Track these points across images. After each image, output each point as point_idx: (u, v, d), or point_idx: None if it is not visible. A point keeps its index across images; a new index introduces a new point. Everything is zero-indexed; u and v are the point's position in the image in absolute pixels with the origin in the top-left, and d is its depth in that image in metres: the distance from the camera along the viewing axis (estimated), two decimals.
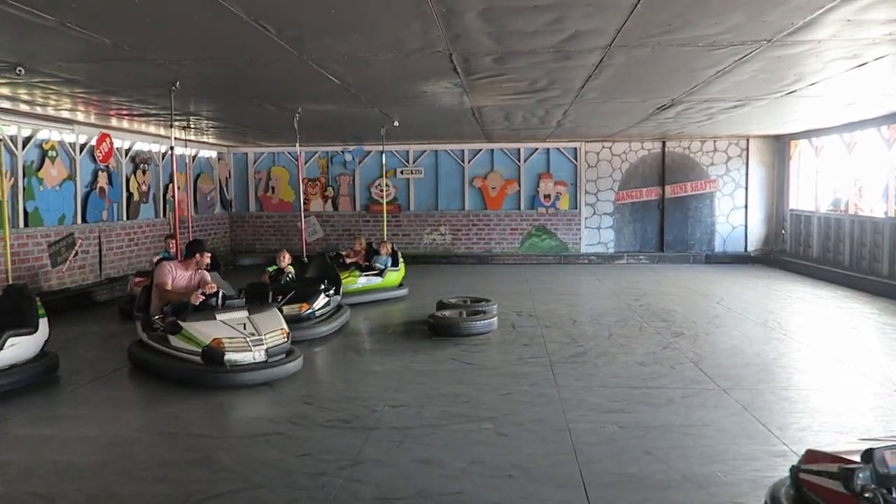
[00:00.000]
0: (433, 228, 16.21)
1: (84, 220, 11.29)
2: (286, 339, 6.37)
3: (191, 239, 8.13)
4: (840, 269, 12.24)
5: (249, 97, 8.42)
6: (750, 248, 15.63)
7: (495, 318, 8.29)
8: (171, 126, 7.64)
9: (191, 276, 7.07)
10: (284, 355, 6.27)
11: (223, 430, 5.04)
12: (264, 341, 6.17)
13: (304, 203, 16.43)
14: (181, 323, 6.14)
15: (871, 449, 2.78)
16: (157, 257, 9.89)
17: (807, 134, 13.83)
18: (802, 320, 8.98)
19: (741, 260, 15.35)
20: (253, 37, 5.20)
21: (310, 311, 8.11)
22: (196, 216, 15.05)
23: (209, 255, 7.19)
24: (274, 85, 7.53)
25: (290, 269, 9.24)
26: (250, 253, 16.50)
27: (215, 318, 6.22)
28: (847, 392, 5.77)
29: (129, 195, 12.64)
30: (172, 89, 7.08)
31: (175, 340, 6.18)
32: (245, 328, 6.20)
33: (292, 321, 7.55)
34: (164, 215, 13.76)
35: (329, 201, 16.46)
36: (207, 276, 7.12)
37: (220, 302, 6.51)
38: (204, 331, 6.04)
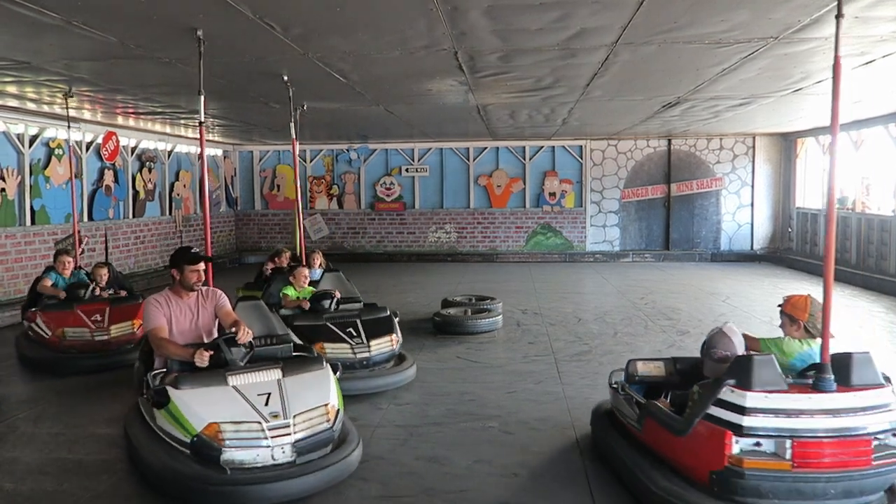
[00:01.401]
0: (438, 227, 16.21)
1: (90, 217, 11.34)
2: (332, 423, 3.91)
3: (194, 246, 5.48)
4: (847, 268, 12.18)
5: (255, 96, 8.43)
6: (756, 247, 15.57)
7: (500, 317, 8.29)
8: (201, 96, 5.70)
9: (196, 310, 4.55)
10: (329, 449, 3.89)
11: None
12: (293, 428, 3.73)
13: (310, 201, 16.48)
14: (170, 390, 3.82)
15: (631, 359, 4.36)
16: (47, 281, 7.22)
17: (813, 132, 13.77)
18: None
19: (747, 258, 15.30)
20: (259, 35, 5.21)
21: (400, 345, 6.23)
22: (201, 214, 15.08)
23: (201, 267, 4.52)
24: (279, 83, 7.53)
25: (323, 287, 7.04)
26: (255, 251, 16.53)
27: (226, 383, 3.87)
28: None
29: (136, 193, 12.69)
30: (200, 40, 5.23)
31: (160, 418, 3.90)
32: (267, 402, 3.80)
33: (383, 361, 5.94)
34: (170, 213, 13.81)
35: (334, 199, 16.48)
36: (226, 303, 4.64)
37: (244, 356, 4.14)
38: (198, 408, 3.72)
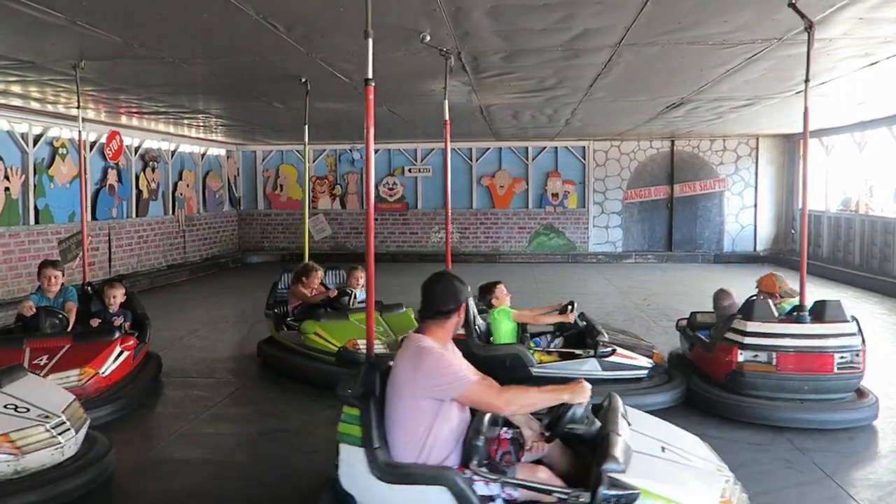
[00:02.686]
0: (441, 227, 16.20)
1: (94, 217, 11.36)
2: None
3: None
4: (850, 269, 12.16)
5: (258, 95, 8.45)
6: (759, 248, 15.55)
7: None
8: (369, 40, 4.58)
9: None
10: None
11: (232, 427, 5.06)
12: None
13: (313, 201, 16.48)
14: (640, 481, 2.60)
15: (693, 311, 6.23)
16: (28, 305, 5.56)
17: (817, 133, 13.73)
18: None
19: (750, 259, 15.27)
20: (262, 35, 5.22)
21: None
22: (205, 214, 15.12)
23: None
24: (283, 83, 7.54)
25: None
26: (258, 251, 16.55)
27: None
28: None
29: (139, 192, 12.70)
30: None
31: None
32: (666, 452, 2.89)
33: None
34: (173, 213, 13.82)
35: (337, 199, 16.49)
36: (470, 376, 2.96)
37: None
38: (685, 494, 2.64)
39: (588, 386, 2.85)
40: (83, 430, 3.98)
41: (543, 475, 2.81)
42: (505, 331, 5.55)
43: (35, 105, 9.11)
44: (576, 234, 15.93)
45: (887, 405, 5.39)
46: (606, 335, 5.47)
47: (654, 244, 15.87)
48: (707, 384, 5.23)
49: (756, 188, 15.45)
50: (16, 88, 7.82)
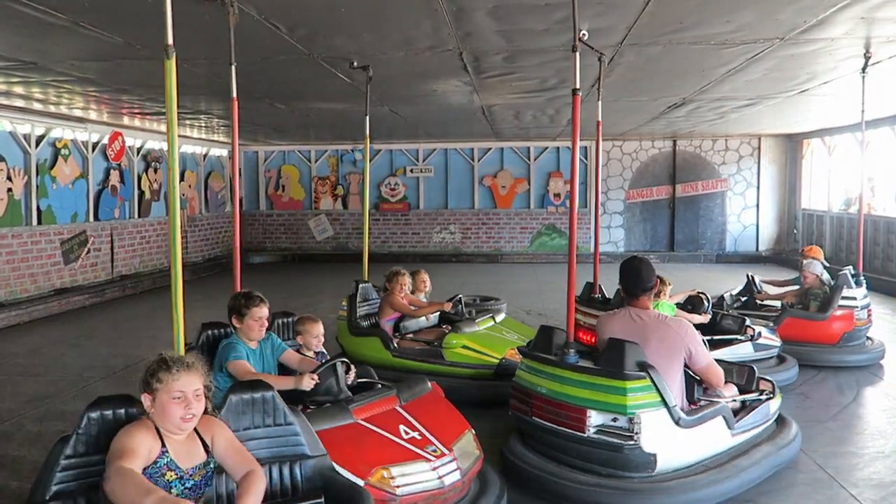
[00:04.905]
0: (442, 227, 16.21)
1: (96, 217, 11.37)
2: None
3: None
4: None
5: (260, 96, 8.45)
6: (761, 248, 15.53)
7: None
8: None
9: None
10: None
11: None
12: None
13: (314, 202, 16.49)
14: None
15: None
16: (234, 362, 3.68)
17: (819, 133, 13.73)
18: None
19: (752, 259, 15.25)
20: (264, 36, 5.22)
21: None
22: (207, 214, 15.13)
23: None
24: (285, 84, 7.55)
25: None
26: (261, 251, 16.56)
27: None
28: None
29: (141, 193, 12.72)
30: None
31: None
32: None
33: None
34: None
35: (339, 199, 16.50)
36: None
37: None
38: None
39: None
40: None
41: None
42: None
43: (38, 106, 9.14)
44: (578, 233, 15.86)
45: (892, 405, 5.39)
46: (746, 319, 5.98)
47: (656, 244, 15.86)
48: (820, 347, 6.38)
49: (758, 188, 15.44)
50: (18, 89, 7.84)
